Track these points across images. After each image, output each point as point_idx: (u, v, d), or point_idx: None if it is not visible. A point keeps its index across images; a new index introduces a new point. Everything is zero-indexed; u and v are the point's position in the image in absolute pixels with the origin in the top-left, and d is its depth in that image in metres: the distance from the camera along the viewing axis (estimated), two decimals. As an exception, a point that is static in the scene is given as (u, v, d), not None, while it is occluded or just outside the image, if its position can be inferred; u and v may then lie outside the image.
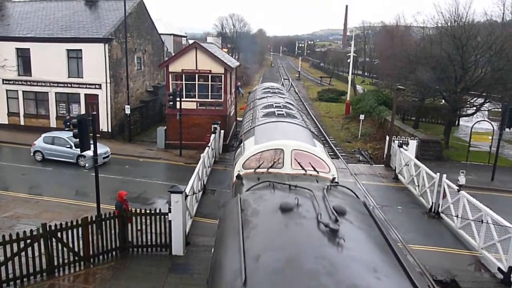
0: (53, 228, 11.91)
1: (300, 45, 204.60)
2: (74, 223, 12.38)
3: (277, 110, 17.12)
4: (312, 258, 4.40)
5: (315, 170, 10.04)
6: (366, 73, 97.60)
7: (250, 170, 10.46)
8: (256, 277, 4.24)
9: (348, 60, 56.19)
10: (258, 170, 10.20)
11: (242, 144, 13.73)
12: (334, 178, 10.08)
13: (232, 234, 5.53)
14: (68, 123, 26.96)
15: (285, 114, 16.29)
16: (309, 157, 10.89)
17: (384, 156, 25.44)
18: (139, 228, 13.78)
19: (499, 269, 12.60)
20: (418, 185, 19.32)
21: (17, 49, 31.26)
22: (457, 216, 15.48)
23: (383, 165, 25.09)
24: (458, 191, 15.58)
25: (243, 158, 11.35)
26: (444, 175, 16.89)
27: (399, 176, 22.19)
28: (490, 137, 26.27)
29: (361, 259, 4.52)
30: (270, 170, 10.02)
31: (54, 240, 11.97)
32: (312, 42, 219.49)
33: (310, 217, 5.43)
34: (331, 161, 11.41)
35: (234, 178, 10.77)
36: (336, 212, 5.44)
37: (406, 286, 4.24)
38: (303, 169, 10.00)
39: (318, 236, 4.94)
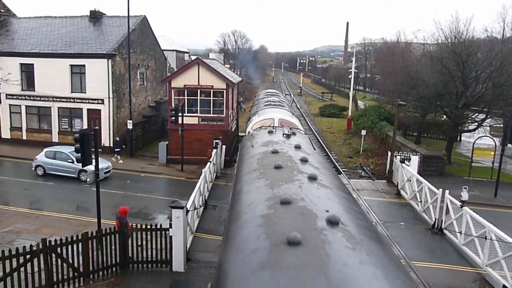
0: (53, 243, 11.82)
1: (301, 61, 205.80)
2: (74, 238, 12.31)
3: (272, 103, 28.03)
4: (277, 140, 12.23)
5: None
6: (367, 89, 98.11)
7: (255, 130, 17.41)
8: (256, 143, 12.53)
9: (349, 76, 56.44)
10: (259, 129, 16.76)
11: (251, 119, 25.25)
12: None
13: (247, 141, 13.90)
14: (117, 145, 28.63)
15: (277, 105, 27.37)
16: (288, 123, 19.89)
17: (386, 171, 25.34)
18: (139, 243, 13.67)
19: (504, 286, 12.41)
20: (421, 201, 19.19)
21: (21, 64, 31.56)
22: (460, 233, 15.34)
23: (385, 181, 24.98)
24: (461, 207, 15.47)
25: (252, 124, 21.46)
26: (447, 191, 16.78)
27: (402, 192, 22.07)
28: (492, 153, 26.19)
29: (297, 142, 11.65)
30: None
31: (53, 255, 11.87)
32: (313, 58, 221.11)
33: (280, 133, 13.47)
34: (301, 127, 21.61)
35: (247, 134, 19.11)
36: (291, 132, 13.53)
37: (313, 151, 12.03)
38: None
39: (282, 138, 12.70)
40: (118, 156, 28.30)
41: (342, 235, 5.18)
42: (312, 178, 7.79)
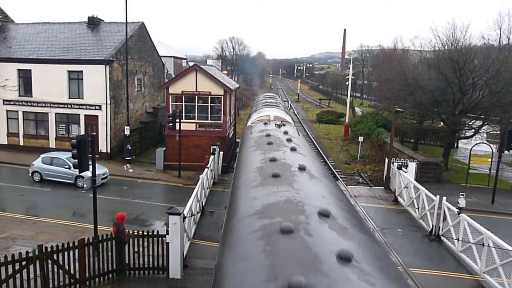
0: (49, 249, 11.75)
1: (299, 67, 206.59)
2: (71, 244, 12.24)
3: (269, 104, 32.66)
4: (271, 129, 14.83)
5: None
6: (364, 96, 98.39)
7: (254, 123, 21.21)
8: (254, 131, 15.09)
9: (347, 83, 56.60)
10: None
11: (251, 115, 29.52)
12: None
13: (247, 130, 16.76)
14: (127, 153, 28.22)
15: (273, 105, 31.95)
16: (281, 118, 23.30)
17: (384, 178, 25.37)
18: (136, 250, 13.61)
19: (501, 293, 12.40)
20: (418, 208, 19.19)
21: (19, 70, 31.56)
22: (458, 239, 15.34)
23: (382, 187, 24.98)
24: (459, 213, 15.48)
25: (252, 120, 25.29)
26: (444, 198, 16.79)
27: (399, 199, 22.08)
28: (489, 160, 26.26)
29: (286, 131, 14.11)
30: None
31: (50, 262, 11.79)
32: (311, 65, 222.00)
33: (273, 124, 16.16)
34: (292, 121, 25.59)
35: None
36: (281, 122, 17.47)
37: (297, 136, 14.91)
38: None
39: (276, 127, 15.22)
40: (128, 165, 28.01)
41: (306, 174, 8.41)
42: (293, 149, 10.90)
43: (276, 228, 5.17)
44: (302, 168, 8.66)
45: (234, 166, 13.26)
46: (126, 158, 28.18)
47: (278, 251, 4.70)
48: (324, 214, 5.79)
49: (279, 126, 15.97)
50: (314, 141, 42.04)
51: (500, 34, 36.39)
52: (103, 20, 35.86)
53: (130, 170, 27.56)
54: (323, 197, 7.07)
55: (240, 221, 6.24)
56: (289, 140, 12.29)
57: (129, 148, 28.55)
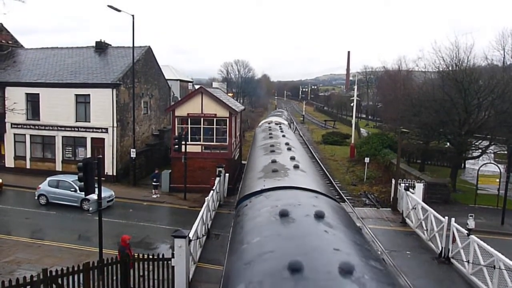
0: (53, 273, 11.65)
1: (304, 89, 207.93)
2: (76, 268, 12.13)
3: (274, 114, 52.92)
4: (271, 126, 29.72)
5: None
6: (369, 117, 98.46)
7: (262, 124, 35.71)
8: (262, 125, 35.62)
9: (352, 104, 56.76)
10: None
11: (261, 121, 43.41)
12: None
13: (258, 127, 35.59)
14: (155, 178, 27.39)
15: (277, 115, 48.97)
16: (280, 122, 36.07)
17: (391, 199, 25.11)
18: (141, 274, 13.46)
19: (515, 318, 12.08)
20: (427, 229, 18.89)
21: (27, 94, 32.01)
22: (468, 262, 15.04)
23: (390, 209, 24.68)
24: (468, 235, 15.21)
25: (261, 123, 38.54)
26: (453, 219, 16.52)
27: (407, 220, 21.77)
28: (498, 180, 25.96)
29: (280, 127, 29.36)
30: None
31: (54, 286, 11.66)
32: (315, 87, 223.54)
33: (274, 123, 33.30)
34: (287, 123, 42.57)
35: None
36: (279, 123, 34.27)
37: (288, 131, 30.12)
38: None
39: (275, 126, 30.59)
40: (155, 191, 27.26)
41: (286, 138, 20.78)
42: (283, 133, 23.05)
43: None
44: (284, 136, 20.13)
45: (252, 141, 28.04)
46: (153, 183, 27.30)
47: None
48: (296, 166, 11.30)
49: (276, 124, 30.39)
50: (320, 163, 41.88)
51: (504, 55, 36.64)
52: (110, 45, 36.47)
53: (157, 195, 27.10)
54: (290, 140, 18.87)
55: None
56: (281, 130, 25.43)
57: (157, 172, 27.88)
